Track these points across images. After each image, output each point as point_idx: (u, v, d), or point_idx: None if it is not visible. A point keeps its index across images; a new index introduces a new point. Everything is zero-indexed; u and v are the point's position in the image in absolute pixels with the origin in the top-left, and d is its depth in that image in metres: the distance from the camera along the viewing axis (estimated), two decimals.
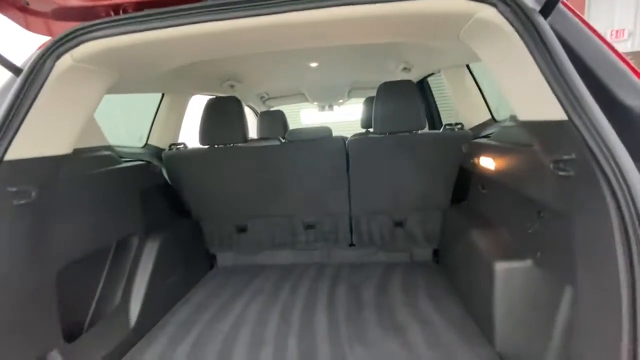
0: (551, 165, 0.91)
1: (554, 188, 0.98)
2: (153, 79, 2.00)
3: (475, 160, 1.66)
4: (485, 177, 1.62)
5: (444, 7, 0.94)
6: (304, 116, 8.95)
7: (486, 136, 1.70)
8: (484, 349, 1.36)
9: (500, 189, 1.50)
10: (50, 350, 1.18)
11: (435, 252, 2.24)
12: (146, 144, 2.36)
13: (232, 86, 2.87)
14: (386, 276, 2.07)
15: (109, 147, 1.71)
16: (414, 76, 2.86)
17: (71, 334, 1.34)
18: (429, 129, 3.14)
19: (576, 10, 0.96)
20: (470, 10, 0.92)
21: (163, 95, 2.40)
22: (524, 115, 1.02)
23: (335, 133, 2.16)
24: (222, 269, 2.38)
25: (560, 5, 0.94)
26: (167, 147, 2.30)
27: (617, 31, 7.44)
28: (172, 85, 2.31)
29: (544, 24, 0.82)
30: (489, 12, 0.90)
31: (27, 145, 1.07)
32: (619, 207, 0.69)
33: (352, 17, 0.98)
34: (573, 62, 0.84)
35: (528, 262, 1.24)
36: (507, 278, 1.28)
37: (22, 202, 1.09)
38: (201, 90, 2.74)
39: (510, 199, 1.41)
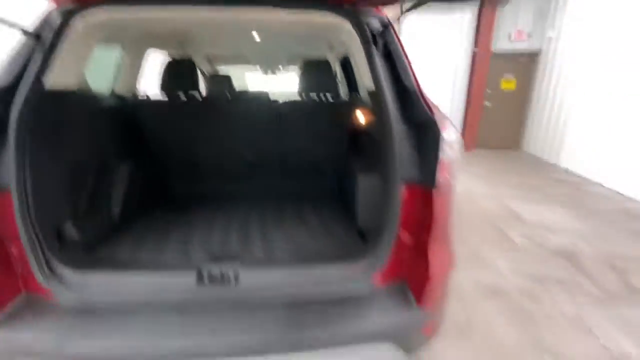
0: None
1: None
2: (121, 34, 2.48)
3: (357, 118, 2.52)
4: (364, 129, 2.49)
5: (326, 19, 1.67)
6: (248, 78, 9.31)
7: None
8: (351, 225, 2.28)
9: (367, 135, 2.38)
10: (67, 221, 1.79)
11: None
12: (112, 92, 2.79)
13: (182, 45, 3.33)
14: (305, 194, 2.91)
15: (94, 92, 2.22)
16: (339, 54, 3.61)
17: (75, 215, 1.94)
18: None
19: (400, 39, 1.76)
20: (341, 22, 1.67)
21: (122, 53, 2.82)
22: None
23: None
24: (178, 195, 3.01)
25: (392, 33, 1.73)
26: (130, 95, 2.78)
27: (519, 32, 8.88)
28: (132, 39, 2.76)
29: (372, 49, 1.60)
30: (349, 26, 1.65)
31: (53, 81, 1.61)
32: None
33: (263, 17, 1.69)
34: (392, 67, 1.66)
35: (375, 175, 2.06)
36: (364, 183, 2.16)
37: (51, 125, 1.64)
38: (155, 45, 3.19)
39: (367, 139, 2.29)
